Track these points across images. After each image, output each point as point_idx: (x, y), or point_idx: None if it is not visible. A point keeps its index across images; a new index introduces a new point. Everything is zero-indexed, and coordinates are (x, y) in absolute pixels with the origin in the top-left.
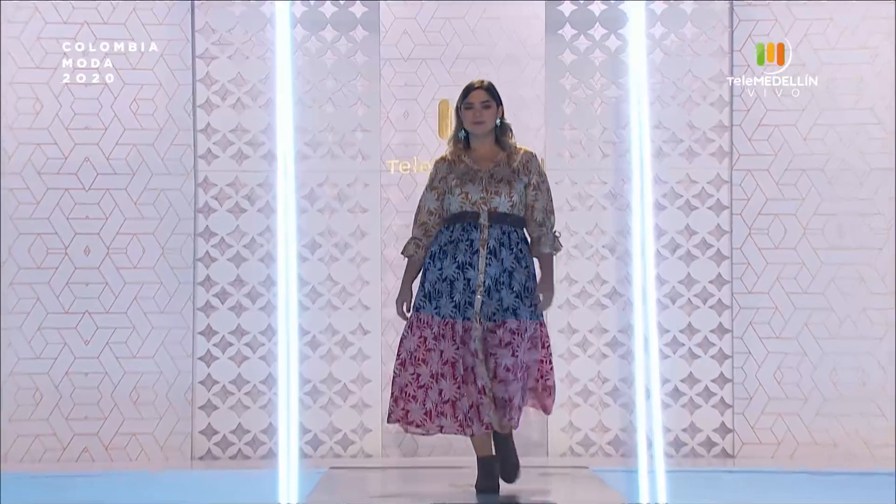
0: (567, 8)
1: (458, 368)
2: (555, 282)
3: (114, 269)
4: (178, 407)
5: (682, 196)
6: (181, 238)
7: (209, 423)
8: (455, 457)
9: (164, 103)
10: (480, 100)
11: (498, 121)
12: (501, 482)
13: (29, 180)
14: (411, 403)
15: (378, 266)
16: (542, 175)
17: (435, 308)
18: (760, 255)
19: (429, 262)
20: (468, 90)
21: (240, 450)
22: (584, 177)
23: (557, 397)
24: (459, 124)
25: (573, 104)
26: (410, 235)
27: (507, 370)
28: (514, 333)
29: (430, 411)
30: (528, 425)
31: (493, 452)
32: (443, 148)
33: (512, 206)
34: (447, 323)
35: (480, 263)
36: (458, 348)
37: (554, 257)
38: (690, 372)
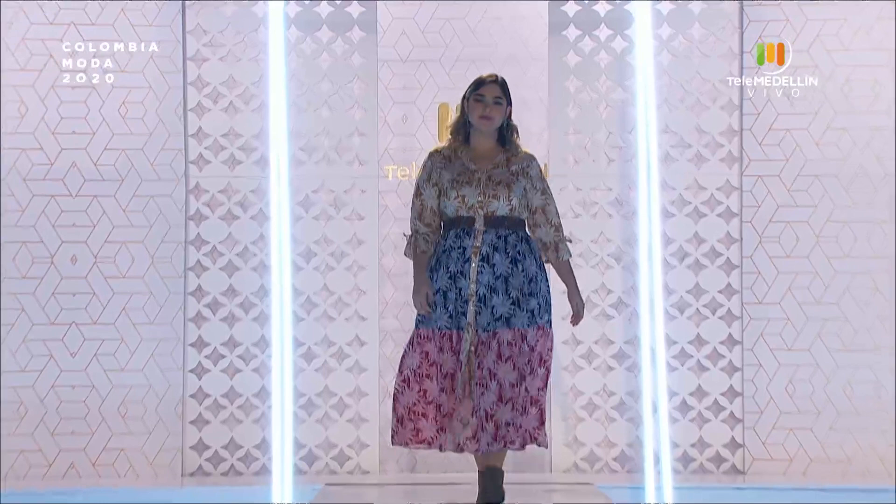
0: (571, 8)
1: (456, 381)
2: (557, 292)
3: (102, 278)
4: (168, 421)
5: (690, 203)
6: (171, 246)
7: (200, 438)
8: (455, 473)
9: (154, 107)
10: (493, 95)
11: (505, 121)
12: None
13: (14, 187)
14: (422, 421)
15: (375, 275)
16: (543, 180)
17: (434, 321)
18: (771, 264)
19: (428, 276)
20: (481, 82)
21: (232, 466)
22: (588, 183)
23: (561, 411)
24: (463, 115)
25: (577, 107)
26: (414, 232)
27: (513, 386)
28: (511, 345)
29: (440, 426)
30: None
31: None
32: None
33: (511, 209)
34: (444, 335)
35: (472, 272)
36: (441, 391)
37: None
38: (699, 385)
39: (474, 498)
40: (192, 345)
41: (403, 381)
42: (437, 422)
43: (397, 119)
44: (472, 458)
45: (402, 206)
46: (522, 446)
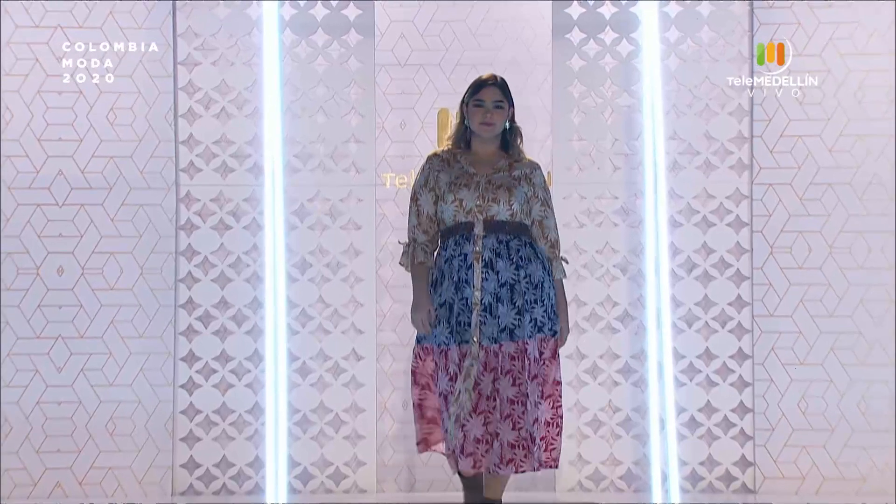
0: (575, 10)
1: (452, 403)
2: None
3: (89, 290)
4: (158, 438)
5: (698, 212)
6: (161, 257)
7: (191, 456)
8: (454, 492)
9: (144, 112)
10: (493, 99)
11: (507, 124)
12: None
13: None
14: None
15: (373, 287)
16: (546, 190)
17: (434, 337)
18: (783, 276)
19: (430, 291)
20: (480, 85)
21: (224, 484)
22: (593, 191)
23: (565, 427)
24: (463, 121)
25: (582, 113)
26: (412, 241)
27: (512, 403)
28: (513, 359)
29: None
30: None
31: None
32: None
33: (512, 214)
34: (442, 351)
35: (476, 279)
36: (450, 379)
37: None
38: (708, 401)
39: None
40: (182, 359)
41: (423, 388)
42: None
43: (395, 125)
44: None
45: (400, 216)
46: (535, 469)
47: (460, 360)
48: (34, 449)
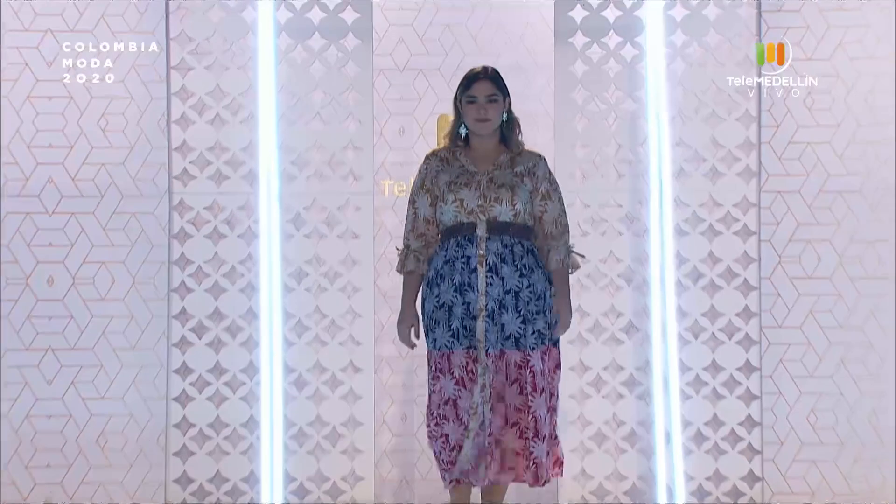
0: (578, 14)
1: (461, 408)
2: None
3: (80, 301)
4: (151, 453)
5: (705, 220)
6: (154, 267)
7: (184, 471)
8: None
9: (136, 118)
10: (486, 93)
11: (504, 115)
12: None
13: None
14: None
15: (371, 297)
16: (552, 182)
17: (433, 341)
18: (792, 286)
19: (426, 291)
20: (470, 80)
21: (218, 500)
22: (597, 199)
23: (568, 441)
24: (458, 119)
25: (585, 119)
26: (405, 247)
27: (518, 411)
28: (519, 368)
29: (446, 462)
30: None
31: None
32: None
33: (515, 214)
34: (443, 355)
35: (480, 283)
36: (457, 383)
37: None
38: (715, 414)
39: None
40: (175, 371)
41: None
42: (440, 457)
43: (394, 132)
44: (476, 492)
45: (399, 224)
46: (537, 481)
47: (467, 365)
48: (23, 464)
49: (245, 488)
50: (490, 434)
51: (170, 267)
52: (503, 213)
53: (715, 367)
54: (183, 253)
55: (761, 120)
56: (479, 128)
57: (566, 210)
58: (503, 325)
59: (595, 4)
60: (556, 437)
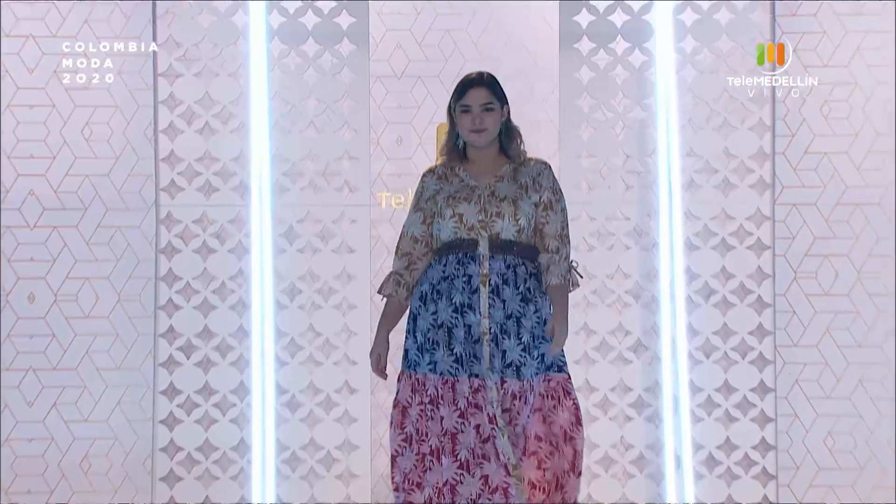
0: (584, 18)
1: (460, 442)
2: (570, 328)
3: (62, 318)
4: (136, 478)
5: (717, 234)
6: (140, 283)
7: (172, 497)
8: None
9: (122, 128)
10: (481, 102)
11: (503, 125)
12: None
13: None
14: (415, 494)
15: (367, 314)
16: (556, 192)
17: (429, 363)
18: (808, 303)
19: (418, 306)
20: (464, 87)
21: None
22: (604, 212)
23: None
24: (453, 129)
25: (591, 128)
26: (391, 270)
27: (539, 439)
28: (515, 398)
29: (431, 499)
30: None
31: None
32: None
33: (519, 231)
34: (446, 382)
35: (482, 305)
36: (460, 415)
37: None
38: (727, 437)
39: None
40: (162, 392)
41: (404, 440)
42: (424, 493)
43: (391, 141)
44: None
45: (396, 238)
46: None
47: (471, 395)
48: (3, 489)
49: None
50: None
51: (157, 283)
52: (506, 229)
53: (727, 388)
54: (170, 268)
55: (775, 129)
56: (474, 139)
57: (570, 223)
58: (504, 352)
59: (602, 8)
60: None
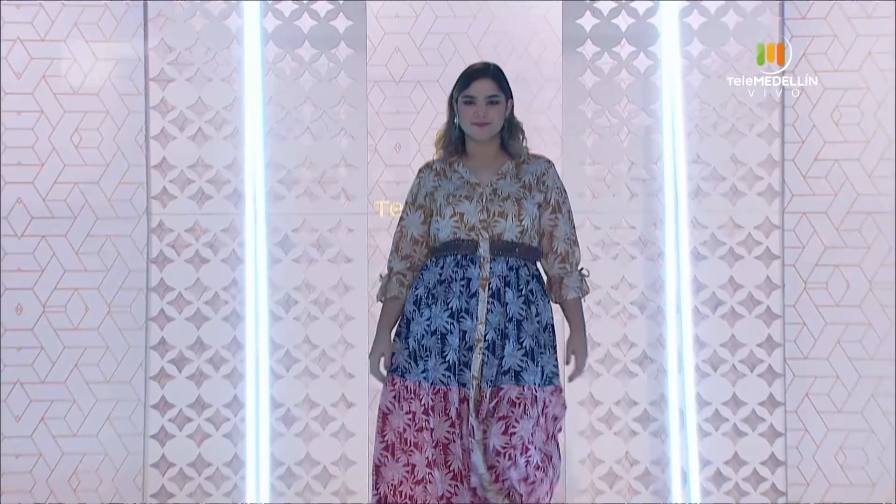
0: (588, 22)
1: (452, 453)
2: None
3: (51, 330)
4: (127, 494)
5: (724, 243)
6: (131, 293)
7: None
8: None
9: (112, 134)
10: (486, 94)
11: (507, 120)
12: None
13: None
14: None
15: (364, 326)
16: (561, 192)
17: (422, 371)
18: (818, 314)
19: (412, 311)
20: (469, 77)
21: None
22: (608, 220)
23: (578, 481)
24: (453, 121)
25: (595, 134)
26: (389, 270)
27: (497, 453)
28: (513, 404)
29: None
30: None
31: None
32: None
33: (522, 231)
34: (438, 391)
35: (480, 310)
36: (452, 426)
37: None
38: (735, 452)
39: None
40: (154, 406)
41: (386, 448)
42: None
43: (389, 148)
44: None
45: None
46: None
47: (460, 405)
48: None
49: None
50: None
51: (148, 294)
52: (508, 229)
53: (735, 402)
54: (162, 279)
55: (785, 135)
56: (477, 132)
57: (575, 223)
58: (502, 359)
59: (606, 11)
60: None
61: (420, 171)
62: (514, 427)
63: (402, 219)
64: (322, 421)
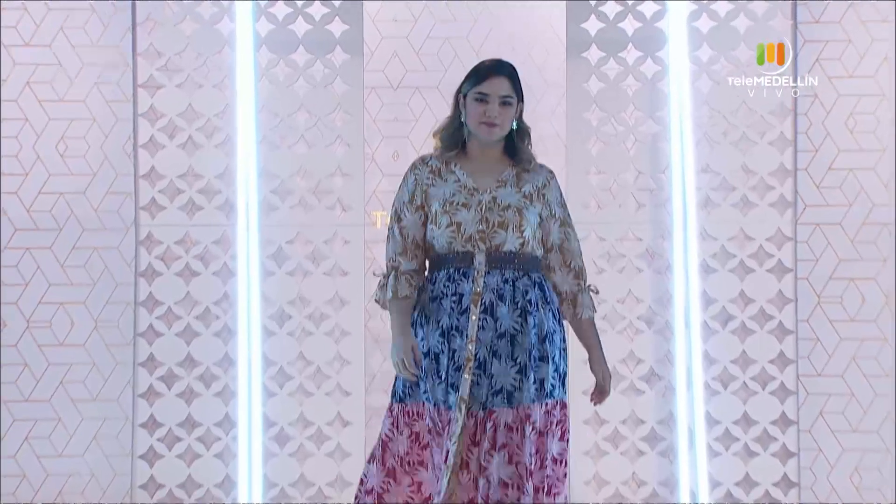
0: (593, 25)
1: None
2: (576, 356)
3: (35, 346)
4: None
5: (735, 256)
6: (119, 308)
7: None
8: None
9: (99, 142)
10: (500, 93)
11: (515, 123)
12: None
13: None
14: None
15: (361, 342)
16: (565, 206)
17: (424, 393)
18: (832, 329)
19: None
20: (483, 73)
21: None
22: (614, 232)
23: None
24: (457, 117)
25: (601, 142)
26: (392, 270)
27: (505, 485)
28: (511, 430)
29: None
30: None
31: None
32: None
33: (523, 243)
34: (440, 411)
35: (471, 328)
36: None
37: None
38: (747, 473)
39: None
40: (142, 425)
41: (388, 474)
42: None
43: (387, 156)
44: None
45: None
46: None
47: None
48: None
49: None
50: None
51: (136, 308)
52: (508, 241)
53: (747, 421)
54: (151, 293)
55: (797, 143)
56: (485, 133)
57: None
58: (492, 378)
59: (612, 15)
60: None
61: (414, 166)
62: (517, 455)
63: (399, 219)
64: (317, 440)
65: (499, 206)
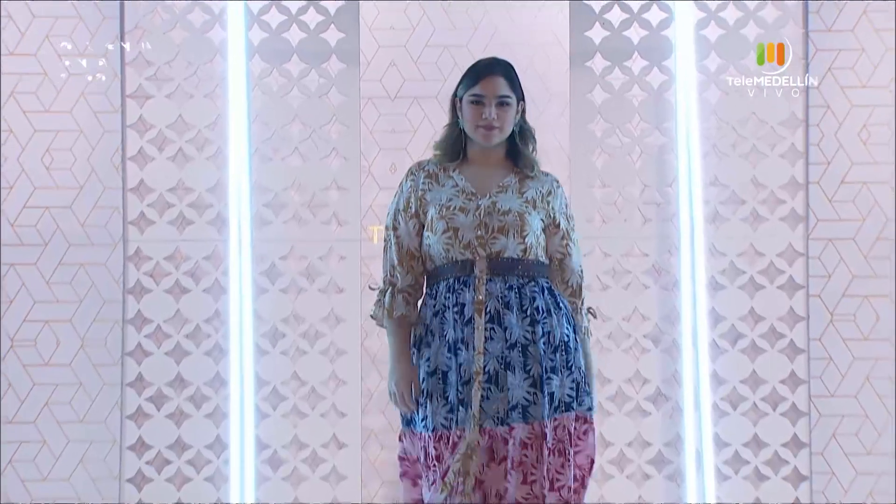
0: (598, 34)
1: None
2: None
3: (19, 366)
4: None
5: (744, 272)
6: (106, 326)
7: None
8: None
9: (86, 155)
10: (497, 93)
11: (516, 124)
12: None
13: None
14: None
15: (357, 361)
16: (570, 217)
17: (422, 420)
18: (845, 348)
19: (414, 354)
20: (478, 74)
21: None
22: (619, 247)
23: None
24: (456, 123)
25: (606, 155)
26: (388, 286)
27: None
28: (525, 447)
29: None
30: None
31: None
32: None
33: (525, 250)
34: (441, 437)
35: (477, 339)
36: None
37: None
38: (757, 498)
39: None
40: (130, 448)
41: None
42: None
43: (384, 169)
44: None
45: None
46: None
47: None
48: None
49: None
50: None
51: (124, 326)
52: (509, 247)
53: (757, 443)
54: (139, 310)
55: (809, 156)
56: (483, 136)
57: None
58: (507, 391)
59: (617, 23)
60: None
61: (410, 172)
62: (532, 474)
63: (394, 229)
64: (311, 463)
65: (499, 210)
